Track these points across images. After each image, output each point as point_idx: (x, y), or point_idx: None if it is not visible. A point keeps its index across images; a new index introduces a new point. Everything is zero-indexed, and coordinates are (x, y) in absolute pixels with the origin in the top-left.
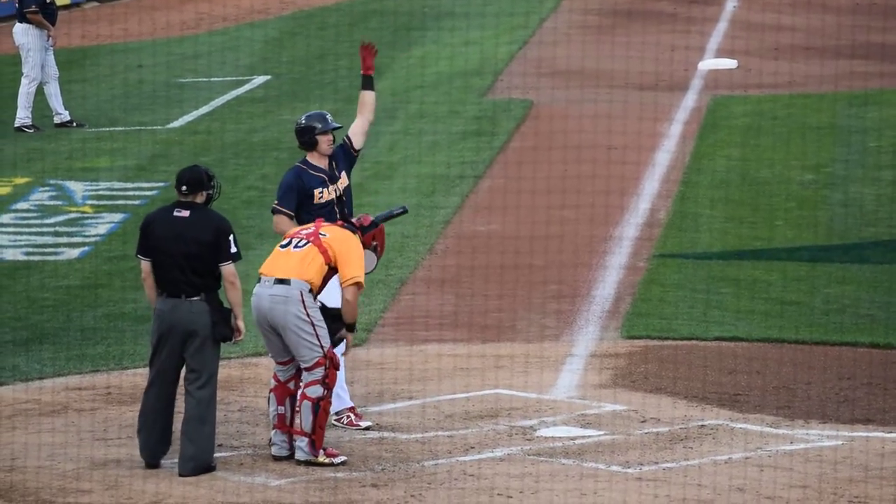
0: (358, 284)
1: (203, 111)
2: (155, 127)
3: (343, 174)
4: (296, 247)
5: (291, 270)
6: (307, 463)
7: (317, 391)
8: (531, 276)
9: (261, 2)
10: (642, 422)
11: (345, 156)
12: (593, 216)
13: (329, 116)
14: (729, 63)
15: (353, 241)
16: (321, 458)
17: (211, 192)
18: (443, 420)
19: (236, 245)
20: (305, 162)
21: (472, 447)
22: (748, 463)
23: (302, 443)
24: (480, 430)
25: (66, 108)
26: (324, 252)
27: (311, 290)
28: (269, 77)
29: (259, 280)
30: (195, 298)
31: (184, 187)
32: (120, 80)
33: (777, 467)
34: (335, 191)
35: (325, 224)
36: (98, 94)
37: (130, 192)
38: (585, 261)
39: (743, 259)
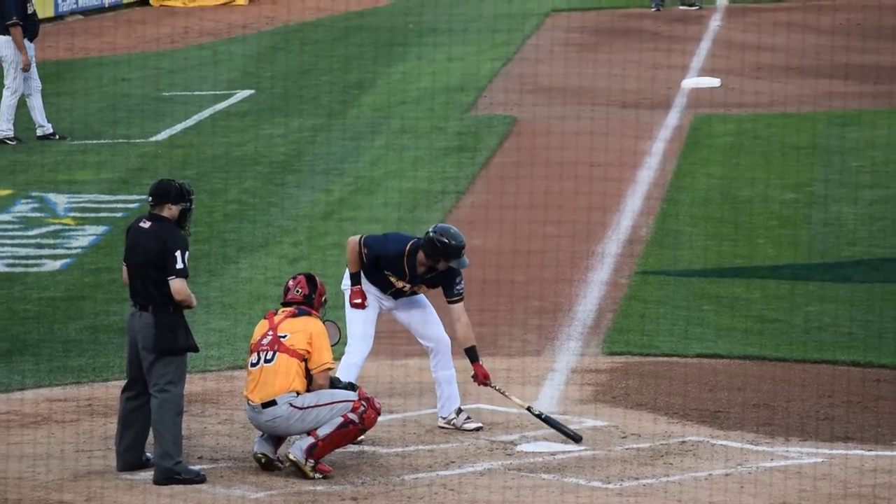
0: (329, 369)
1: (186, 125)
2: (138, 140)
3: (423, 287)
4: (266, 361)
5: (274, 389)
6: (293, 464)
7: (353, 417)
8: (513, 291)
9: (245, 17)
10: (623, 437)
11: (439, 282)
12: (575, 232)
13: (465, 257)
14: (712, 82)
15: (314, 327)
16: (307, 465)
17: (184, 206)
18: (423, 434)
19: (184, 261)
20: (415, 252)
21: (453, 461)
22: (728, 479)
23: (304, 443)
24: (461, 445)
25: (48, 121)
26: (294, 354)
27: (297, 393)
28: (252, 91)
29: (247, 403)
30: (144, 311)
31: (150, 199)
32: (103, 93)
33: (757, 484)
34: (403, 287)
35: (280, 319)
36: (81, 106)
37: (112, 205)
38: (567, 277)
39: (724, 276)
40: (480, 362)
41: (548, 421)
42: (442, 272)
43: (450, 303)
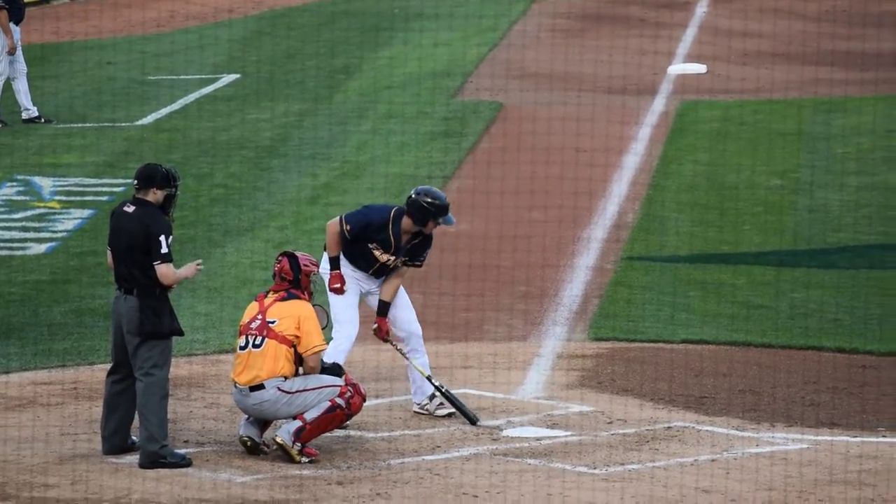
0: (320, 351)
1: (172, 109)
2: (124, 124)
3: (403, 258)
4: (255, 346)
5: (262, 372)
6: (279, 447)
7: (340, 401)
8: (499, 276)
9: (231, 1)
10: (609, 423)
11: (418, 249)
12: (562, 218)
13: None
14: (698, 68)
15: (303, 311)
16: (294, 448)
17: (169, 191)
18: (409, 419)
19: (168, 245)
20: (399, 218)
21: (439, 446)
22: (714, 465)
23: (291, 426)
24: (447, 430)
25: (34, 104)
26: (283, 340)
27: (285, 377)
28: (238, 76)
29: (234, 385)
30: (129, 295)
31: (136, 182)
32: (89, 76)
33: (743, 469)
34: (386, 258)
35: (269, 303)
36: (67, 90)
37: (98, 189)
38: (553, 262)
39: (710, 262)
40: (386, 319)
41: (447, 396)
42: (419, 241)
43: (406, 265)
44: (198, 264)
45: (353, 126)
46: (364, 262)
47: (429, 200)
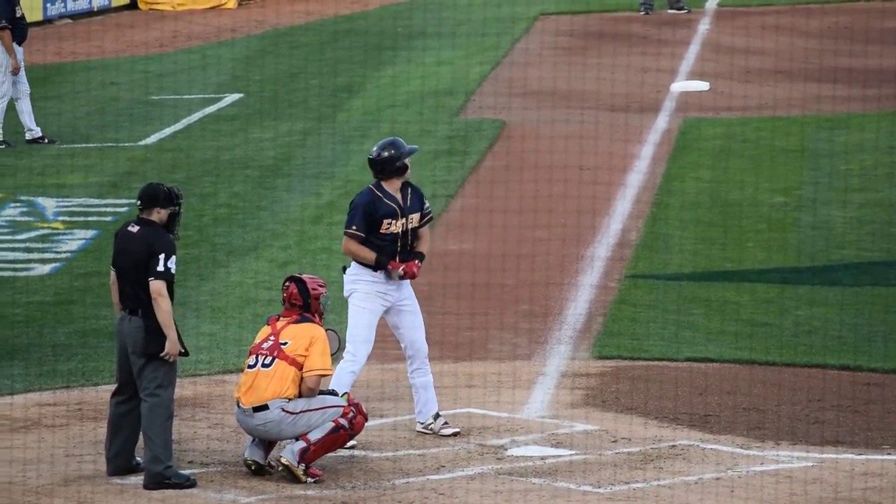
0: (322, 376)
1: (175, 128)
2: (127, 144)
3: (416, 214)
4: (263, 365)
5: (265, 394)
6: (284, 468)
7: (343, 422)
8: (503, 295)
9: (234, 20)
10: (613, 442)
11: (418, 199)
12: (565, 236)
13: (403, 141)
14: (700, 85)
15: (315, 334)
16: (300, 469)
17: (172, 210)
18: (414, 438)
19: (166, 264)
20: (379, 187)
21: (443, 466)
22: (719, 484)
23: (296, 446)
24: (451, 449)
25: (38, 125)
26: (292, 362)
27: (289, 399)
28: (241, 95)
29: (237, 404)
30: (134, 315)
31: (139, 202)
32: (92, 96)
33: (748, 487)
34: (402, 225)
35: (282, 325)
36: (70, 110)
37: (102, 209)
38: (557, 280)
39: (714, 280)
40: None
41: None
42: (412, 193)
43: (422, 226)
44: (172, 357)
45: (357, 145)
46: (391, 248)
47: (392, 151)
